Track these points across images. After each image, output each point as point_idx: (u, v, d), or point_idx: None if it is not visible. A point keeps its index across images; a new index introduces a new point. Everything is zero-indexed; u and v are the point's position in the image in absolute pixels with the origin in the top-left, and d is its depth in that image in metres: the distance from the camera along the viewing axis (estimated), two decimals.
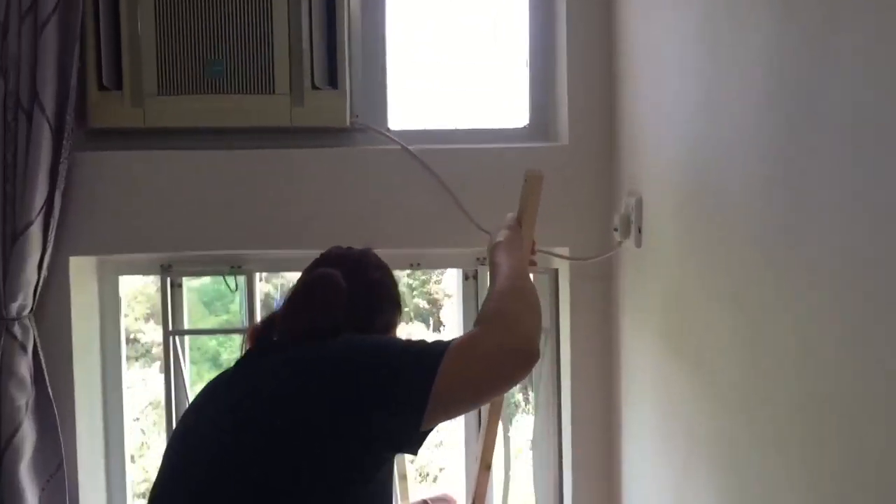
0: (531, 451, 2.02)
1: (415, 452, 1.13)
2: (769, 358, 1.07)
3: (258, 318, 1.94)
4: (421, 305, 5.15)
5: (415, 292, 5.00)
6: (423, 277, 4.82)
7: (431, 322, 6.93)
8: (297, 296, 1.27)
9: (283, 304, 1.29)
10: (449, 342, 1.10)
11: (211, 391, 1.24)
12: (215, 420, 1.16)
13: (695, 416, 1.37)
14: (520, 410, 3.45)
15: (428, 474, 4.56)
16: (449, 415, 1.12)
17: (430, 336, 1.49)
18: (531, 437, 2.02)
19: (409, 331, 4.46)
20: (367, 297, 1.30)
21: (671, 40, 1.47)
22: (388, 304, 1.36)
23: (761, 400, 1.10)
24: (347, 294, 1.23)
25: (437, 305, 5.25)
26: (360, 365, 1.11)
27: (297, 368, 1.15)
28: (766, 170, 1.07)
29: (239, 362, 1.26)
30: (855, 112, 0.86)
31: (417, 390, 1.05)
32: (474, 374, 1.08)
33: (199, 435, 1.17)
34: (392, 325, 1.37)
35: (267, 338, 1.27)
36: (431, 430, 1.09)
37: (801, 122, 0.98)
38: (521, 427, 3.06)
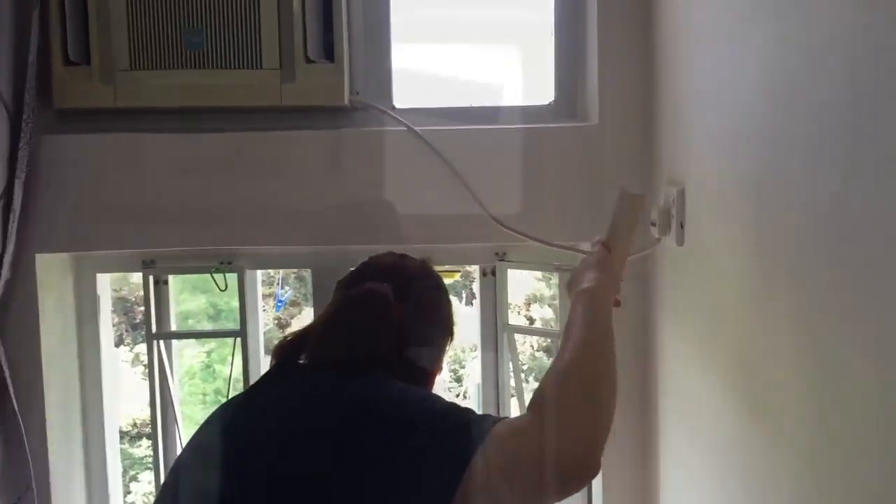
0: None
1: None
2: (845, 392, 0.84)
3: (249, 319, 1.76)
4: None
5: None
6: None
7: (464, 295, 6.78)
8: (336, 313, 1.09)
9: (320, 319, 1.11)
10: (494, 421, 0.88)
11: (223, 427, 1.04)
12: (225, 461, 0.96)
13: (745, 458, 1.15)
14: None
15: None
16: None
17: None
18: None
19: None
20: (418, 323, 1.11)
21: (730, 6, 1.22)
22: (440, 331, 1.17)
23: (834, 450, 0.87)
24: (396, 318, 1.06)
25: (469, 278, 5.06)
26: (393, 431, 0.90)
27: (321, 412, 0.95)
28: (840, 169, 0.83)
29: (258, 387, 1.09)
30: None
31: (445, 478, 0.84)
32: (513, 477, 0.85)
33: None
34: (439, 357, 1.18)
35: (291, 360, 1.08)
36: None
37: (879, 117, 0.74)
38: None
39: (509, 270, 1.83)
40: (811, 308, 0.93)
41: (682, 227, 1.42)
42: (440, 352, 1.17)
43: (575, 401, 0.89)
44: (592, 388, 0.91)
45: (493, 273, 1.83)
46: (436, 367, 1.17)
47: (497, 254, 1.80)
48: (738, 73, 1.16)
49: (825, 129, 0.88)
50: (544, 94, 1.76)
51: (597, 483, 1.72)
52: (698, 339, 1.38)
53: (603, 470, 1.61)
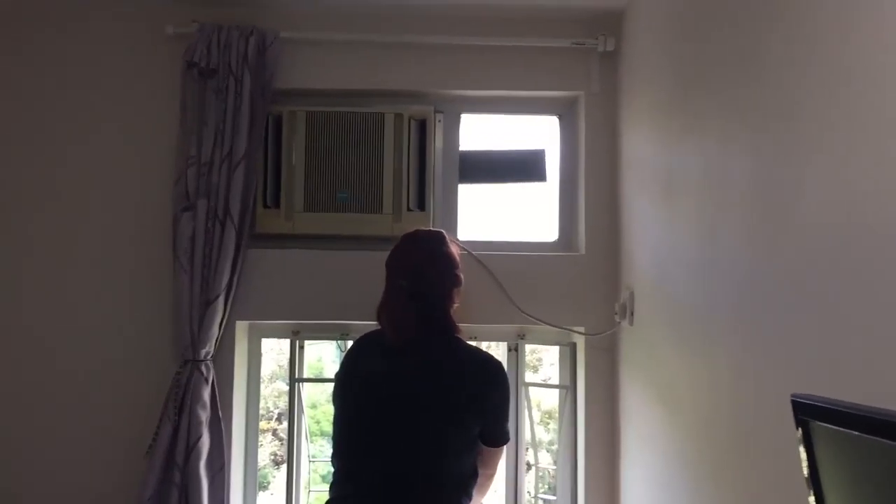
0: (556, 464, 2.72)
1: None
2: (715, 396, 1.81)
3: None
4: None
5: None
6: None
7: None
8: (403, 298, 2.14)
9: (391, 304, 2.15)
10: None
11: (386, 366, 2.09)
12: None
13: (668, 441, 2.09)
14: (545, 444, 4.13)
15: None
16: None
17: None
18: (557, 448, 2.72)
19: None
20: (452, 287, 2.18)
21: (644, 190, 2.27)
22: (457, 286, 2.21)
23: (714, 426, 1.83)
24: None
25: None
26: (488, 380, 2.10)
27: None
28: (696, 276, 1.84)
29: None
30: (742, 249, 1.63)
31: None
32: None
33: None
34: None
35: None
36: None
37: (704, 258, 1.75)
38: (544, 456, 3.74)
39: (526, 345, 2.80)
40: (706, 357, 1.91)
41: (632, 314, 2.41)
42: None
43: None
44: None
45: (516, 349, 2.79)
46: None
47: (518, 335, 2.77)
48: (663, 227, 2.19)
49: (719, 260, 1.90)
50: (552, 233, 2.80)
51: (580, 466, 2.61)
52: (643, 380, 2.33)
53: (584, 461, 2.52)
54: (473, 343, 2.22)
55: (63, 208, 2.59)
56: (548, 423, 3.60)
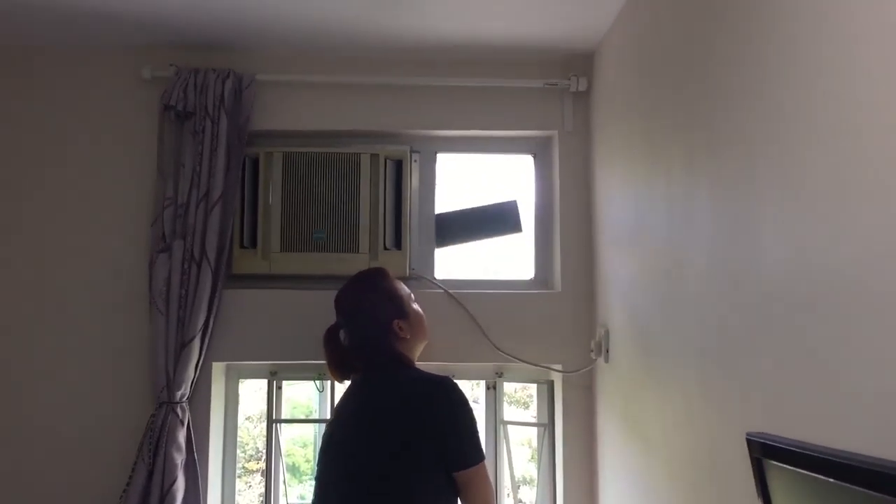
0: (536, 490, 2.71)
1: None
2: (686, 433, 1.82)
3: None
4: None
5: None
6: None
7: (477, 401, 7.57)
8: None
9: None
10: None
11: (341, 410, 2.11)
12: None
13: (643, 479, 2.09)
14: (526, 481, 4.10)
15: None
16: None
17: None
18: (537, 486, 2.71)
19: None
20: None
21: (617, 228, 2.30)
22: (395, 315, 2.18)
23: (686, 463, 1.84)
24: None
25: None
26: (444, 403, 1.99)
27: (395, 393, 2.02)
28: (665, 314, 1.86)
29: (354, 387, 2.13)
30: (703, 285, 1.65)
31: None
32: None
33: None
34: (406, 331, 2.19)
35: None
36: None
37: (672, 295, 1.77)
38: (527, 493, 3.71)
39: (504, 383, 2.80)
40: (676, 394, 1.92)
41: (608, 352, 2.42)
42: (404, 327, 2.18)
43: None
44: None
45: (494, 387, 2.79)
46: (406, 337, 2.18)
47: (496, 373, 2.77)
48: (635, 265, 2.21)
49: (685, 300, 1.91)
50: (528, 272, 2.81)
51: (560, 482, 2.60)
52: (619, 417, 2.33)
53: (565, 497, 2.50)
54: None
55: (39, 249, 2.59)
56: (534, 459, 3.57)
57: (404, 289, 2.27)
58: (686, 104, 1.74)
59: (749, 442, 0.97)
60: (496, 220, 2.84)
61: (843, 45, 1.08)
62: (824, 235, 1.11)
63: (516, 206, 2.83)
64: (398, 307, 2.19)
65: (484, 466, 1.96)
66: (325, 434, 2.11)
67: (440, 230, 2.81)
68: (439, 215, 2.81)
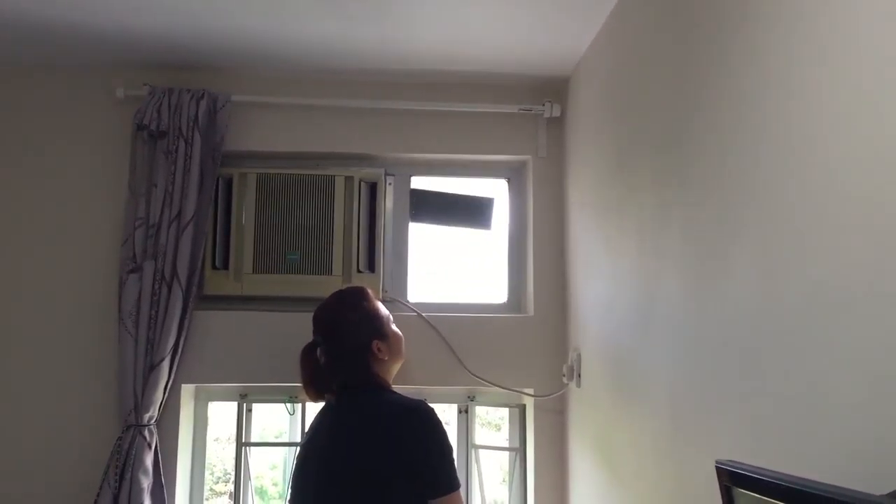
0: None
1: None
2: (656, 459, 1.82)
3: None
4: None
5: None
6: None
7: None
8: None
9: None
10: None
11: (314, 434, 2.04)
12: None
13: (611, 497, 2.09)
14: None
15: None
16: None
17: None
18: None
19: None
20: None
21: (589, 253, 2.32)
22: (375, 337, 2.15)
23: (657, 490, 1.84)
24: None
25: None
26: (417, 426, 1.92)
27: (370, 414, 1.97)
28: (635, 340, 1.87)
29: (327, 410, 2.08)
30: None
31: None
32: None
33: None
34: (384, 354, 2.14)
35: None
36: None
37: (642, 322, 1.79)
38: None
39: (476, 406, 2.79)
40: (647, 421, 1.93)
41: (580, 376, 2.43)
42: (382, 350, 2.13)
43: None
44: None
45: (466, 411, 2.78)
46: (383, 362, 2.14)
47: (469, 396, 2.76)
48: (603, 293, 2.22)
49: (655, 325, 1.93)
50: (501, 295, 2.82)
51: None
52: (590, 442, 2.33)
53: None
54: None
55: (6, 268, 2.56)
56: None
57: (384, 310, 2.25)
58: (657, 131, 1.76)
59: (718, 470, 0.98)
60: (470, 210, 2.87)
61: (815, 76, 1.10)
62: (795, 265, 1.13)
63: (491, 204, 2.87)
64: (378, 328, 2.17)
65: (459, 494, 1.91)
66: (298, 455, 2.08)
67: (416, 205, 2.83)
68: (417, 190, 2.83)
